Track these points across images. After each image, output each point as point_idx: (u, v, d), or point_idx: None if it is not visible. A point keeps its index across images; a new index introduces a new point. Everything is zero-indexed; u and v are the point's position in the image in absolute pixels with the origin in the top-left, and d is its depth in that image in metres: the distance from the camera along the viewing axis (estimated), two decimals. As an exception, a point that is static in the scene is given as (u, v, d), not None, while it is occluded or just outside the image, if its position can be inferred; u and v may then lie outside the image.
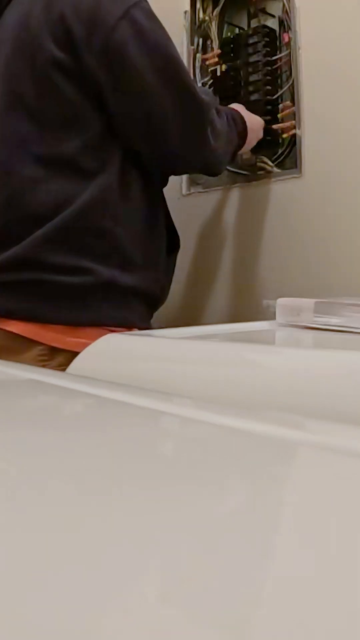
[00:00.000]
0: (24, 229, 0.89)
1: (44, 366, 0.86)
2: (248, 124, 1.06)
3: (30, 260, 0.88)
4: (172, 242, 1.03)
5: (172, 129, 0.91)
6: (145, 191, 0.96)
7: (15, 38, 0.90)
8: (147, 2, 0.88)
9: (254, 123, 1.08)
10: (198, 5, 1.27)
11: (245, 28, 1.21)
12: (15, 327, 0.89)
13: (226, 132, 0.99)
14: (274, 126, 1.14)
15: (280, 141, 1.14)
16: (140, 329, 0.91)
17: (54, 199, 0.88)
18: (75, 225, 0.88)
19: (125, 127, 0.90)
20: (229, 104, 1.10)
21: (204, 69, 1.26)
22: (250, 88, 1.17)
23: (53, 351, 0.88)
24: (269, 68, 1.15)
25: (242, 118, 1.05)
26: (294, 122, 1.12)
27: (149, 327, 0.97)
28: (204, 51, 1.26)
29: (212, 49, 1.25)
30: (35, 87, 0.88)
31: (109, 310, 0.91)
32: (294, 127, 1.12)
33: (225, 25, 1.24)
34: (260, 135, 1.11)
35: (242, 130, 1.05)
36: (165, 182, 1.03)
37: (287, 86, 1.13)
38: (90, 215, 0.89)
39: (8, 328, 0.89)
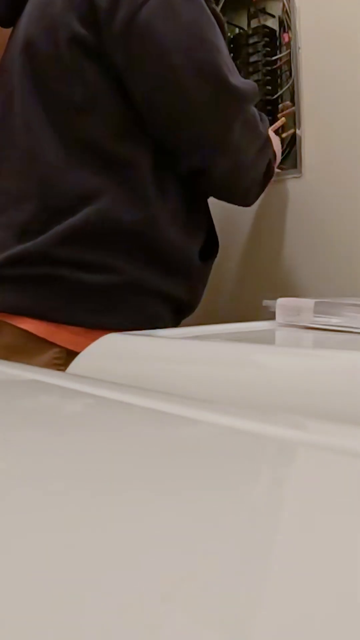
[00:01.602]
0: (47, 220, 0.83)
1: (59, 370, 0.79)
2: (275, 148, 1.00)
3: (49, 255, 0.82)
4: (210, 248, 0.96)
5: (198, 115, 0.83)
6: (184, 191, 0.89)
7: (39, 19, 0.85)
8: None
9: (277, 146, 1.03)
10: (198, 5, 1.27)
11: (245, 28, 1.21)
12: (30, 325, 0.82)
13: (259, 133, 0.91)
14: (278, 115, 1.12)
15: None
16: None
17: (79, 190, 0.82)
18: (102, 219, 0.82)
19: (147, 112, 0.83)
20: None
21: (204, 69, 1.26)
22: (250, 88, 1.17)
23: (69, 355, 0.80)
24: (269, 68, 1.15)
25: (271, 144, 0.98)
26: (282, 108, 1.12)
27: None
28: (204, 51, 1.26)
29: (212, 49, 1.25)
30: (57, 67, 0.83)
31: (132, 313, 0.84)
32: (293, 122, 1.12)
33: (225, 25, 1.24)
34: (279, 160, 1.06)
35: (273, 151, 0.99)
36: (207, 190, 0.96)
37: (287, 86, 1.14)
38: (119, 211, 0.82)
39: (21, 326, 0.83)
